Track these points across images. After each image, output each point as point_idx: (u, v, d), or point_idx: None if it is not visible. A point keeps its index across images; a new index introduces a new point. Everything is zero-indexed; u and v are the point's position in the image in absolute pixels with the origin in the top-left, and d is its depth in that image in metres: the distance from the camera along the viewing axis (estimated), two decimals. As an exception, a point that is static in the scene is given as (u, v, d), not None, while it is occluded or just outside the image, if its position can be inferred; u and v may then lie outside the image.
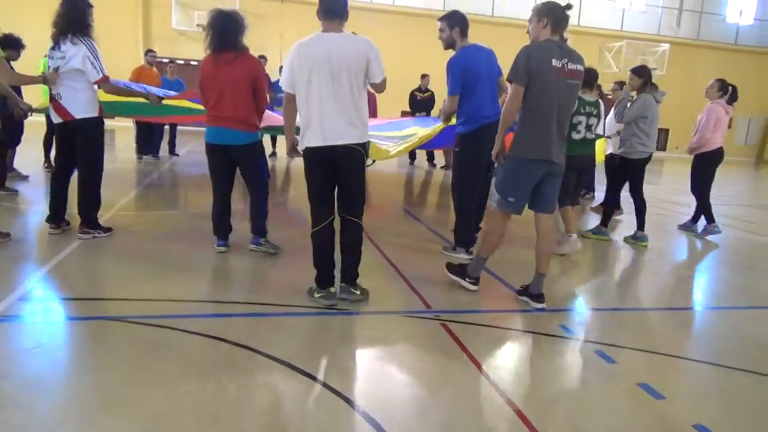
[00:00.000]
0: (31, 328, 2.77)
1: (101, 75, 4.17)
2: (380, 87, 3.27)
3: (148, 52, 9.77)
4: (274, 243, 4.27)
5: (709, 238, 6.07)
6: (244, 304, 3.30)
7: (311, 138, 3.14)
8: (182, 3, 16.36)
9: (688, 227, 6.39)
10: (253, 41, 13.53)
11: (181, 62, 12.99)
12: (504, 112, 3.33)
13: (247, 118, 3.93)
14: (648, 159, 5.50)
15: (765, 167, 19.45)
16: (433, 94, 11.38)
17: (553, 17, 3.28)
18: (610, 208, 5.71)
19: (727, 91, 6.01)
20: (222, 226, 4.20)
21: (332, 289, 3.34)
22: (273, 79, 10.80)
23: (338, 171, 3.20)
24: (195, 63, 16.63)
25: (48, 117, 5.47)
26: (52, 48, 4.16)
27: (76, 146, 4.27)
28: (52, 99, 4.23)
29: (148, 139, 9.62)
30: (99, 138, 4.39)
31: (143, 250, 4.22)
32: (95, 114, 4.27)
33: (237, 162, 4.08)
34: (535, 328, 3.21)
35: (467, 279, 3.74)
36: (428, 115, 11.06)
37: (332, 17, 3.14)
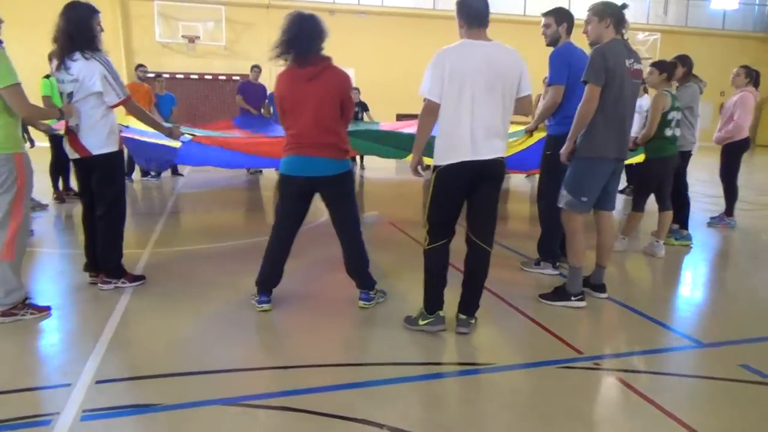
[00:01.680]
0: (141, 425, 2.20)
1: (122, 97, 3.55)
2: (527, 102, 3.02)
3: (139, 66, 9.14)
4: (380, 289, 3.59)
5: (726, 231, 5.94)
6: (351, 366, 2.75)
7: (457, 152, 2.86)
8: (165, 14, 15.60)
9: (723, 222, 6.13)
10: (241, 49, 13.01)
11: (167, 76, 12.28)
12: (581, 114, 3.35)
13: (336, 142, 3.27)
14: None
15: (758, 152, 19.42)
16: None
17: (615, 17, 3.37)
18: (681, 205, 5.27)
19: (752, 77, 5.85)
20: (272, 280, 3.42)
21: (441, 313, 3.02)
22: (269, 92, 10.23)
23: (479, 188, 2.94)
24: (181, 76, 15.97)
25: (53, 141, 4.78)
26: (58, 69, 3.51)
27: (93, 184, 3.65)
28: (68, 131, 3.57)
29: None
30: (119, 174, 3.76)
31: (193, 302, 3.58)
32: (115, 148, 3.63)
33: (324, 198, 3.37)
34: (715, 369, 2.77)
35: (573, 298, 3.52)
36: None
37: (481, 24, 2.92)
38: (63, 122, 3.73)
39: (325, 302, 3.65)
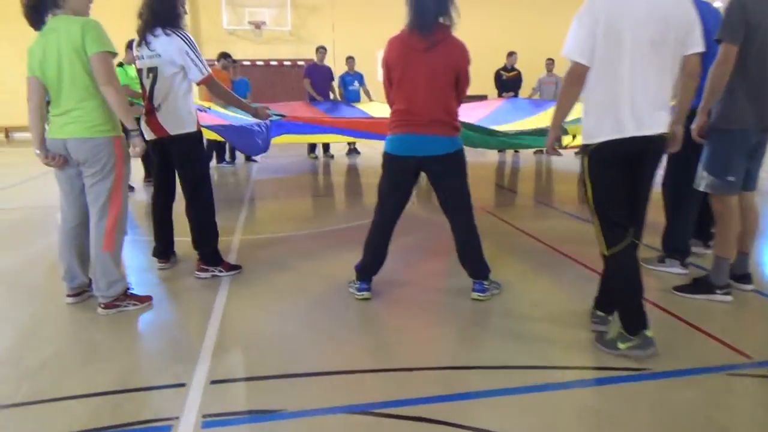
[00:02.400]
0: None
1: (206, 73, 3.35)
2: (695, 62, 2.42)
3: (223, 56, 9.00)
4: (494, 279, 3.27)
5: None
6: (478, 369, 2.45)
7: (613, 126, 2.35)
8: (232, 2, 15.63)
9: None
10: (306, 34, 12.84)
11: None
12: (714, 78, 2.81)
13: (449, 119, 2.98)
14: None
15: None
16: (519, 74, 10.37)
17: None
18: None
19: None
20: (374, 266, 3.21)
21: (648, 333, 2.43)
22: (337, 75, 10.03)
23: (637, 170, 2.45)
24: (247, 63, 15.98)
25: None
26: (139, 45, 3.39)
27: (175, 166, 3.53)
28: (149, 112, 3.43)
29: (220, 145, 8.92)
30: (202, 154, 3.61)
31: (291, 293, 3.38)
32: (195, 128, 3.46)
33: (434, 179, 3.10)
34: None
35: (719, 291, 3.09)
36: (516, 95, 10.12)
37: None
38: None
39: (428, 292, 3.37)
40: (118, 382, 2.32)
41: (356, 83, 10.02)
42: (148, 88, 3.41)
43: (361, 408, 2.11)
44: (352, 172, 8.97)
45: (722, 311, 3.00)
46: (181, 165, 3.51)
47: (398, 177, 3.09)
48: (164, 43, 3.29)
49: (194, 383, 2.30)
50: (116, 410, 2.12)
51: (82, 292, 3.22)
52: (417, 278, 3.61)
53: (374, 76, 12.47)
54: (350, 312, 3.09)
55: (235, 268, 3.67)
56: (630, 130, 2.34)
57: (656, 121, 2.38)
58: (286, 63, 16.57)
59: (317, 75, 9.73)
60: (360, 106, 8.97)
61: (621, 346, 2.45)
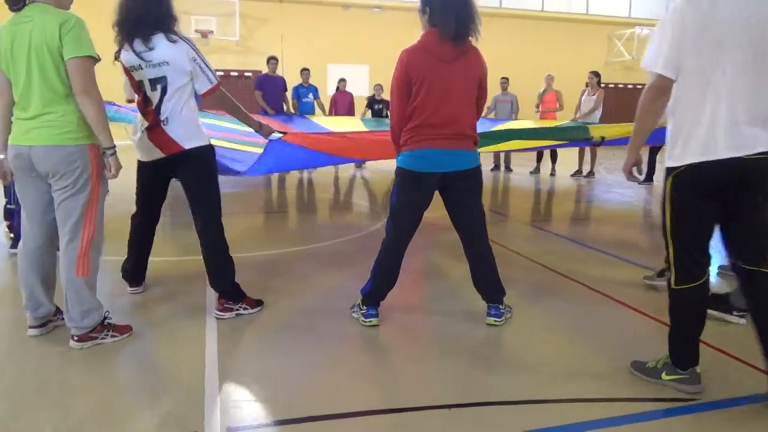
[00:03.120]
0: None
1: (215, 82, 2.97)
2: None
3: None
4: (507, 304, 3.09)
5: None
6: (527, 404, 2.26)
7: (703, 146, 2.06)
8: (177, 9, 14.97)
9: None
10: (254, 45, 12.58)
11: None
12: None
13: (472, 133, 2.85)
14: None
15: None
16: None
17: None
18: None
19: None
20: (384, 290, 3.00)
21: (698, 369, 2.28)
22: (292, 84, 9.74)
23: (740, 195, 2.13)
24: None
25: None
26: (134, 53, 2.87)
27: (185, 188, 3.09)
28: (155, 126, 2.94)
29: None
30: (215, 173, 3.14)
31: (290, 322, 3.10)
32: (206, 141, 3.04)
33: (453, 196, 2.90)
34: None
35: (734, 313, 3.02)
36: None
37: None
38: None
39: (437, 317, 3.16)
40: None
41: (311, 95, 9.75)
42: (155, 101, 2.94)
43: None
44: (309, 186, 8.66)
45: (743, 334, 2.95)
46: (195, 184, 3.07)
47: (417, 195, 2.87)
48: (172, 51, 2.86)
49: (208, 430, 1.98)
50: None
51: (47, 323, 2.80)
52: (422, 302, 3.41)
53: (324, 89, 12.32)
54: (357, 342, 2.83)
55: (259, 303, 3.25)
56: (723, 151, 2.05)
57: (758, 140, 2.05)
58: (233, 73, 16.08)
59: (270, 86, 9.28)
60: (315, 119, 8.69)
61: (666, 377, 2.31)
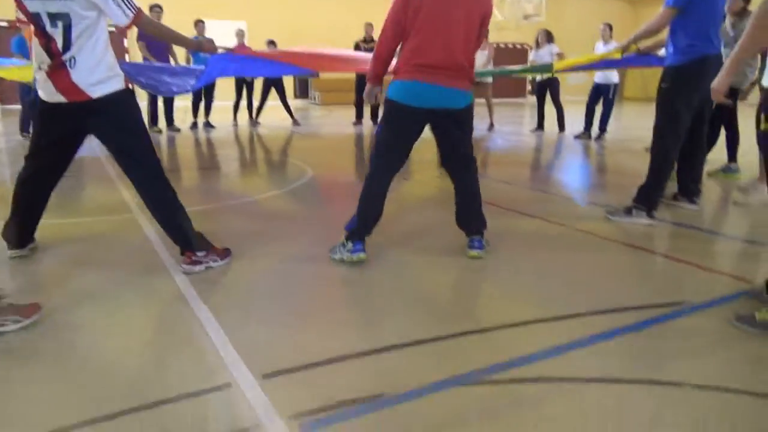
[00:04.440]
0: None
1: (133, 12, 2.57)
2: None
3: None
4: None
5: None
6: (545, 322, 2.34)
7: None
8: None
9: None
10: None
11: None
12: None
13: (471, 71, 2.81)
14: None
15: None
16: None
17: None
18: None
19: None
20: (370, 223, 2.96)
21: None
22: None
23: None
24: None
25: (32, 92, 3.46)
26: None
27: (103, 142, 2.73)
28: (55, 69, 2.51)
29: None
30: (139, 114, 2.79)
31: (274, 268, 2.94)
32: (120, 85, 2.64)
33: (443, 132, 2.90)
34: None
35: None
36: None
37: None
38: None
39: (422, 253, 3.12)
40: (127, 399, 1.73)
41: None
42: (59, 39, 2.50)
43: (470, 378, 1.85)
44: (206, 146, 8.13)
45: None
46: (112, 135, 2.71)
47: (406, 128, 2.84)
48: None
49: (243, 382, 1.81)
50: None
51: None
52: (398, 239, 3.34)
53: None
54: (341, 281, 2.75)
55: (227, 252, 2.98)
56: None
57: None
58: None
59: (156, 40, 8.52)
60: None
61: None
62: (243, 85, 10.11)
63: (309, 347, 2.06)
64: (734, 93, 5.06)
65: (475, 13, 2.72)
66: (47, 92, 2.61)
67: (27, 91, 7.70)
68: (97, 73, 2.56)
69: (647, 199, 3.71)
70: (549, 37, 9.08)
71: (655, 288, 2.71)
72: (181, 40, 3.02)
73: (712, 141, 5.13)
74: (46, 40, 2.52)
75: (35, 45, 2.57)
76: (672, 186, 4.10)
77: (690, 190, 4.08)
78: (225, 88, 10.35)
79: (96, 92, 2.56)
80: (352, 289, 2.71)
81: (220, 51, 3.24)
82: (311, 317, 2.35)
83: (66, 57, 2.51)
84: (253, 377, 1.84)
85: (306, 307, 2.46)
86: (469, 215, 3.06)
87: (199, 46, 3.11)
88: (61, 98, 2.57)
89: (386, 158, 2.91)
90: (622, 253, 3.26)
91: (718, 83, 2.44)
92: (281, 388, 1.80)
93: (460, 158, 2.98)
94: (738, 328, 2.21)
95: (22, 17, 2.68)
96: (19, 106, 8.51)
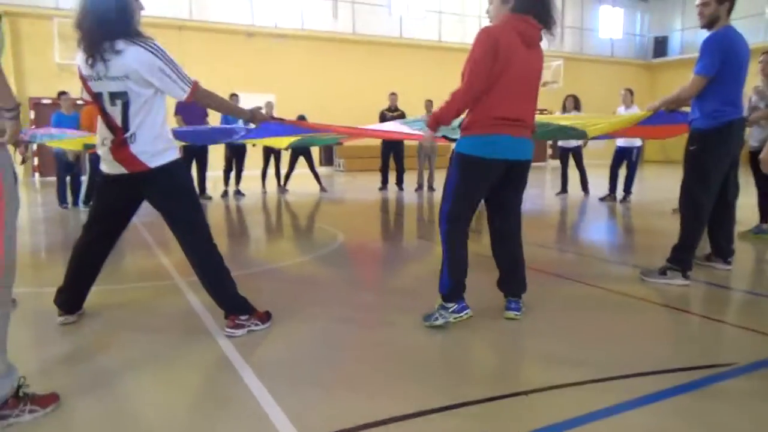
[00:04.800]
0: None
1: (190, 86, 2.70)
2: None
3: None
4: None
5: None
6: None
7: None
8: (64, 34, 13.94)
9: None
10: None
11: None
12: None
13: (533, 122, 2.94)
14: None
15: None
16: (403, 114, 10.68)
17: None
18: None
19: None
20: (463, 278, 2.98)
21: None
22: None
23: None
24: (81, 102, 14.37)
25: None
26: (92, 63, 2.58)
27: (157, 208, 2.86)
28: (121, 144, 2.66)
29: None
30: (191, 184, 2.95)
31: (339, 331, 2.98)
32: (174, 156, 2.79)
33: (507, 186, 2.96)
34: None
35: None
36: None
37: None
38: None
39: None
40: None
41: (240, 122, 9.43)
42: (118, 117, 2.68)
43: None
44: (237, 212, 8.34)
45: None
46: (169, 202, 2.84)
47: (482, 183, 2.89)
48: (131, 60, 2.57)
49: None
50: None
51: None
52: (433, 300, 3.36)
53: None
54: (393, 339, 2.76)
55: (269, 316, 3.04)
56: None
57: None
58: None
59: (190, 110, 8.83)
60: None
61: None
62: (271, 153, 10.44)
63: (356, 409, 2.07)
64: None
65: (540, 67, 2.88)
66: (110, 165, 2.78)
67: (63, 166, 8.12)
68: (156, 146, 2.72)
69: (681, 259, 3.70)
70: (576, 104, 9.24)
71: (699, 349, 2.68)
72: (237, 111, 3.21)
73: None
74: (107, 118, 2.71)
75: (99, 123, 2.77)
76: (705, 247, 4.09)
77: (723, 250, 4.07)
78: (254, 157, 10.74)
79: (154, 163, 2.72)
80: (394, 350, 2.71)
81: (270, 121, 3.49)
82: (356, 379, 2.37)
83: (127, 135, 2.67)
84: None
85: (350, 370, 2.48)
86: (511, 279, 3.10)
87: (253, 117, 3.29)
88: (122, 170, 2.74)
89: (460, 214, 2.91)
90: (661, 314, 3.24)
91: None
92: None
93: (511, 214, 3.04)
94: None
95: (87, 96, 2.89)
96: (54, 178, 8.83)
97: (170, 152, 2.78)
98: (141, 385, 2.32)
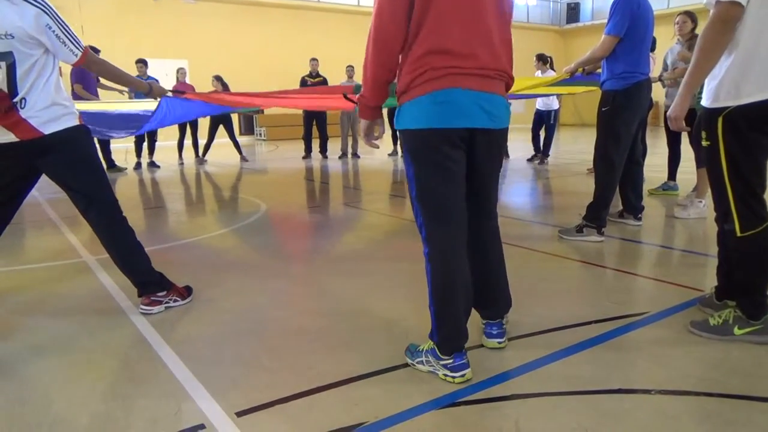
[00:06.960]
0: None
1: (81, 50, 2.52)
2: None
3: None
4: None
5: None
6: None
7: (764, 82, 1.95)
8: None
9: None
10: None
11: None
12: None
13: (511, 72, 1.99)
14: None
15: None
16: (325, 80, 10.46)
17: None
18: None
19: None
20: (467, 313, 2.04)
21: None
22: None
23: None
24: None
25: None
26: None
27: (56, 181, 2.62)
28: (9, 110, 2.40)
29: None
30: (95, 151, 2.70)
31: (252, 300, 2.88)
32: (74, 121, 2.56)
33: (480, 159, 1.97)
34: None
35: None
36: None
37: None
38: None
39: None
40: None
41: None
42: (3, 81, 2.39)
43: (446, 401, 1.85)
44: (152, 186, 7.94)
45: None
46: (66, 173, 2.59)
47: (449, 164, 1.89)
48: (17, 17, 2.33)
49: (216, 421, 1.75)
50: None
51: None
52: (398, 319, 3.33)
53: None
54: (321, 310, 2.70)
55: (189, 291, 2.90)
56: None
57: None
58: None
59: (89, 77, 8.19)
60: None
61: (739, 331, 2.21)
62: (186, 123, 9.96)
63: (281, 381, 2.01)
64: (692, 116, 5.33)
65: (509, 4, 1.96)
66: None
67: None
68: (51, 111, 2.48)
69: (596, 217, 3.86)
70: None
71: (614, 301, 2.81)
72: (132, 82, 2.97)
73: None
74: None
75: None
76: (617, 205, 4.30)
77: (634, 207, 4.28)
78: (170, 127, 10.22)
79: (48, 129, 2.47)
80: (320, 321, 2.66)
81: (168, 95, 3.21)
82: (280, 351, 2.30)
83: (16, 99, 2.41)
84: (226, 415, 1.78)
85: (273, 342, 2.40)
86: (496, 290, 2.22)
87: (150, 90, 3.06)
88: (12, 137, 2.46)
89: (441, 217, 1.93)
90: (579, 270, 3.37)
91: (677, 111, 2.20)
92: (257, 424, 1.75)
93: (484, 201, 2.09)
94: (695, 335, 2.31)
95: None
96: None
97: (68, 118, 2.54)
98: (48, 372, 2.15)
